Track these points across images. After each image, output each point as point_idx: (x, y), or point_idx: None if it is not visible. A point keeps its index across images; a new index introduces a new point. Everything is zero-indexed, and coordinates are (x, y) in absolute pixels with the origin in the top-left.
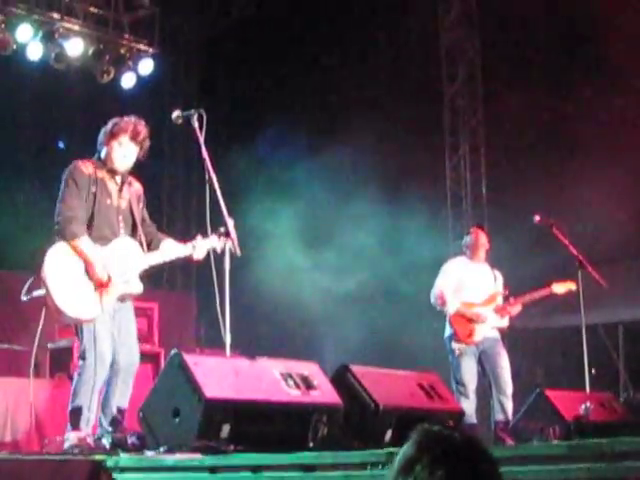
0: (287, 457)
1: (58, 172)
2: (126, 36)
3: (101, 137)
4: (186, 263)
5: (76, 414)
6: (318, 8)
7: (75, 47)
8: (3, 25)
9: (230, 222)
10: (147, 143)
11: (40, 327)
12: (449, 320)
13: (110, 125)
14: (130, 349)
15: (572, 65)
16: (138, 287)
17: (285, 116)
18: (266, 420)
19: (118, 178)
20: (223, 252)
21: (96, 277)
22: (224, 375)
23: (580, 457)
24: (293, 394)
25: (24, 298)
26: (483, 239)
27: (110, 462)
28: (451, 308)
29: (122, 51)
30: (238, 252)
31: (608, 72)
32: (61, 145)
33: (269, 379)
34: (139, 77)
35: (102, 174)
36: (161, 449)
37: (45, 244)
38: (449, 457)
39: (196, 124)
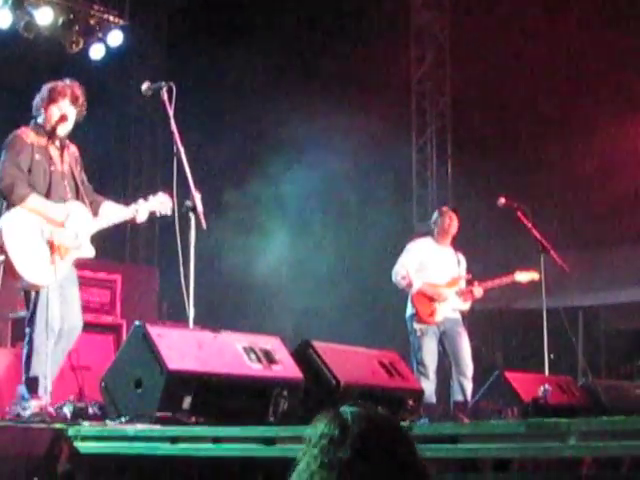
0: (247, 430)
1: None
2: (96, 7)
3: (38, 102)
4: (149, 237)
5: (33, 384)
6: None
7: (45, 16)
8: None
9: (197, 195)
10: (84, 106)
11: None
12: (411, 299)
13: (47, 90)
14: (74, 314)
15: None
16: (91, 251)
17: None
18: (228, 393)
19: (58, 143)
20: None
21: (49, 240)
22: (187, 347)
23: (537, 436)
24: (255, 368)
25: None
26: (455, 225)
27: (71, 431)
28: (414, 287)
29: (92, 22)
30: (204, 225)
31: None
32: None
33: (232, 353)
34: (108, 48)
35: (43, 141)
36: (122, 419)
37: None
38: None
39: (165, 96)
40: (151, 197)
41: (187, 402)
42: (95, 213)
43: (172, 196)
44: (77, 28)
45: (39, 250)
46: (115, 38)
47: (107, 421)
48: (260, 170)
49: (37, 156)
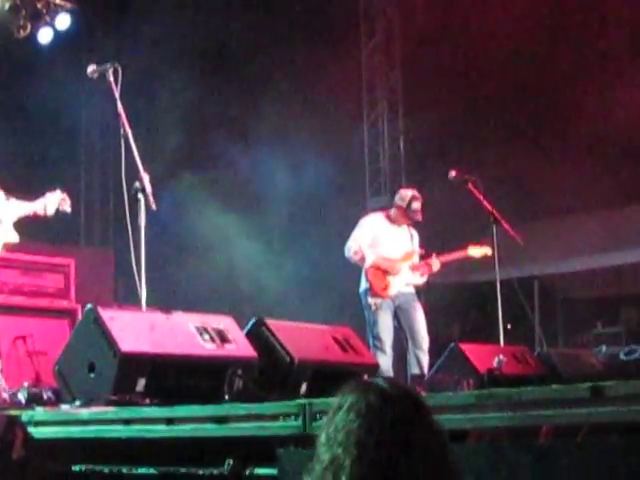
0: (200, 409)
1: None
2: None
3: None
4: (104, 220)
5: None
6: None
7: None
8: None
9: (146, 177)
10: None
11: None
12: (365, 273)
13: None
14: None
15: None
16: (15, 236)
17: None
18: (182, 374)
19: None
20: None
21: None
22: (139, 329)
23: (488, 406)
24: (208, 348)
25: None
26: (419, 213)
27: (25, 417)
28: (368, 260)
29: (39, 6)
30: (153, 206)
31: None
32: None
33: (184, 333)
34: (56, 32)
35: None
36: (77, 403)
37: None
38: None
39: (111, 78)
40: (48, 194)
41: (141, 384)
42: None
43: (122, 176)
44: (24, 13)
45: None
46: (63, 21)
47: (61, 405)
48: (214, 152)
49: None
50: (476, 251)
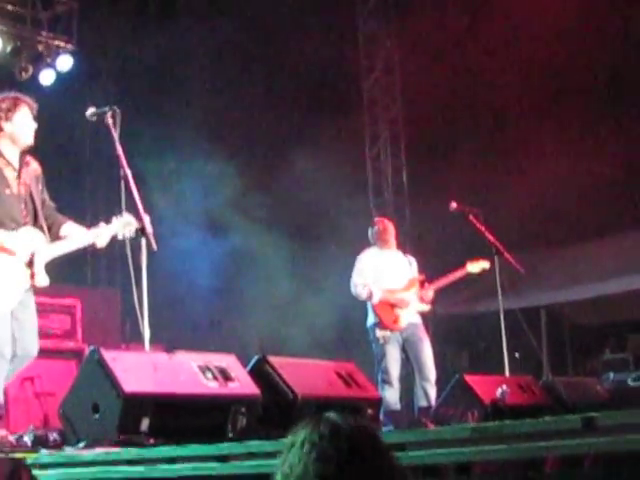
0: (201, 448)
1: None
2: (44, 33)
3: None
4: (110, 259)
5: None
6: None
7: None
8: None
9: (146, 218)
10: (35, 108)
11: None
12: (373, 309)
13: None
14: (29, 341)
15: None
16: (44, 280)
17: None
18: (185, 412)
19: (15, 163)
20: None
21: (11, 248)
22: (143, 369)
23: (485, 439)
24: (211, 386)
25: None
26: (390, 227)
27: (30, 459)
28: (375, 297)
29: (40, 48)
30: (154, 247)
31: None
32: None
33: (187, 372)
34: (58, 74)
35: None
36: (81, 444)
37: None
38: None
39: (110, 121)
40: (114, 219)
41: (145, 424)
42: (55, 236)
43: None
44: (25, 55)
45: None
46: (64, 63)
47: (66, 447)
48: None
49: None
50: (475, 267)
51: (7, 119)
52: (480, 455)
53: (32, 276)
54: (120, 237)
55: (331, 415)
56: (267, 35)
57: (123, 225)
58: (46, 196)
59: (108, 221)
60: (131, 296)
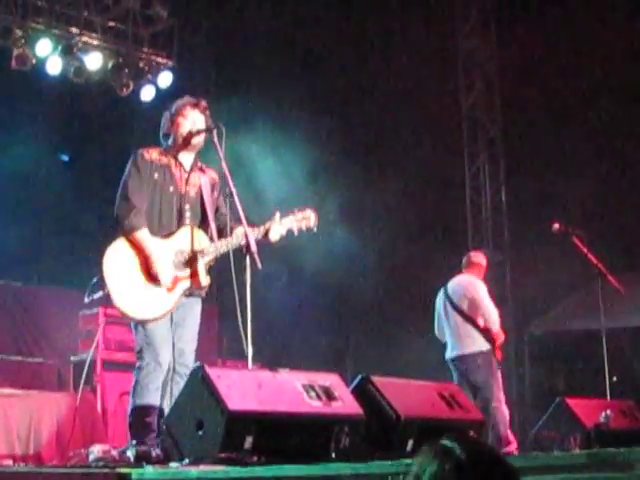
0: (308, 468)
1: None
2: (145, 49)
3: (164, 124)
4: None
5: (133, 414)
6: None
7: (94, 61)
8: (23, 40)
9: (251, 236)
10: (208, 113)
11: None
12: (492, 336)
13: (168, 112)
14: (185, 349)
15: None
16: (204, 280)
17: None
18: (289, 431)
19: (187, 164)
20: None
21: (154, 272)
22: (247, 387)
23: (598, 466)
24: (315, 405)
25: (86, 300)
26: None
27: (135, 475)
28: (496, 326)
29: (141, 64)
30: (259, 265)
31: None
32: (65, 158)
33: (291, 391)
34: (158, 90)
35: (167, 160)
36: (185, 461)
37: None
38: (463, 468)
39: (215, 139)
40: (296, 210)
41: (249, 442)
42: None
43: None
44: (127, 71)
45: (142, 282)
46: (165, 79)
47: (170, 463)
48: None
49: (155, 175)
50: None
51: (171, 124)
52: None
53: (192, 276)
54: (296, 232)
55: (456, 447)
56: (368, 55)
57: (301, 218)
58: (222, 203)
59: (286, 214)
60: (232, 311)
